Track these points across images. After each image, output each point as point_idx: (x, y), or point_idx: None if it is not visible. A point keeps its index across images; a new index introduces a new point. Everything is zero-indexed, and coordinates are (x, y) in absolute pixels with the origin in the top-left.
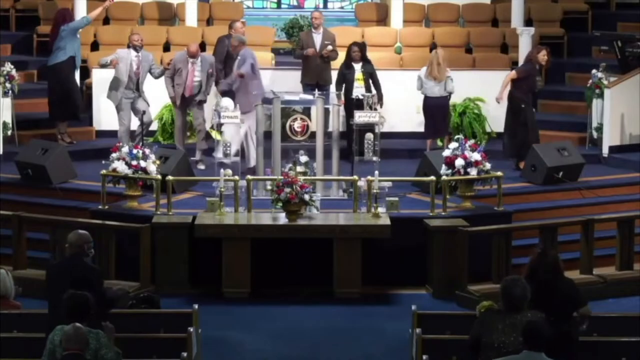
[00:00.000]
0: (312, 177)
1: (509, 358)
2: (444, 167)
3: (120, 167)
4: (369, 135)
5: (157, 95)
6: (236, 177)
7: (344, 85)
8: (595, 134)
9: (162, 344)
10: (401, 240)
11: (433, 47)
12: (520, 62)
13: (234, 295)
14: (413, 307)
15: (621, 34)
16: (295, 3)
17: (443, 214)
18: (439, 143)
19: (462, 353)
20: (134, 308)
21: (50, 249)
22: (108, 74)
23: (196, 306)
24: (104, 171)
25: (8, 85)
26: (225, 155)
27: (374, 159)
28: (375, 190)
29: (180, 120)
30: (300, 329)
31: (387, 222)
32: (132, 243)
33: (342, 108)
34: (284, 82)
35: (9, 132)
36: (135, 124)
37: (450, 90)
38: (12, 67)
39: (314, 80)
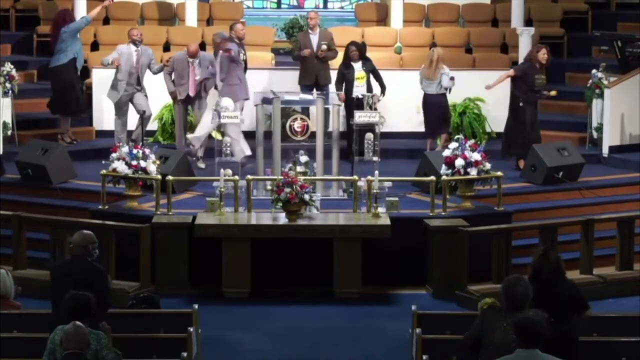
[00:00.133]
0: (312, 177)
1: (503, 359)
2: (444, 167)
3: (120, 167)
4: (369, 135)
5: (157, 95)
6: (236, 177)
7: (343, 85)
8: (595, 134)
9: (162, 344)
10: (401, 240)
11: (432, 47)
12: (520, 62)
13: (234, 295)
14: (413, 307)
15: (621, 34)
16: (295, 3)
17: (443, 214)
18: (438, 142)
19: (462, 353)
20: (134, 308)
21: (50, 249)
22: (108, 74)
23: (196, 306)
24: (104, 171)
25: (8, 85)
26: (225, 155)
27: (374, 159)
28: (375, 190)
29: (180, 119)
30: (300, 329)
31: (387, 222)
32: (132, 243)
33: (342, 108)
34: (284, 82)
35: (9, 132)
36: (133, 123)
37: (445, 86)
38: (12, 67)
39: (312, 81)
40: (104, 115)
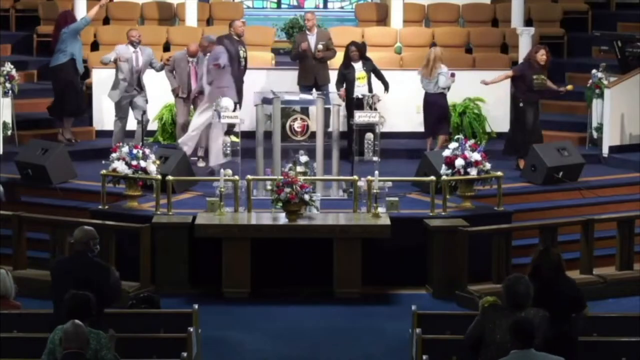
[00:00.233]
0: (312, 177)
1: None
2: (444, 167)
3: (120, 167)
4: (369, 135)
5: (157, 95)
6: (236, 177)
7: (344, 85)
8: (595, 134)
9: (162, 344)
10: (401, 240)
11: (432, 46)
12: (520, 62)
13: (234, 295)
14: (413, 307)
15: (621, 34)
16: (295, 3)
17: (443, 214)
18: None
19: (461, 353)
20: (134, 308)
21: (50, 249)
22: (108, 74)
23: (196, 306)
24: (104, 171)
25: (8, 85)
26: (225, 155)
27: (374, 159)
28: (375, 190)
29: (182, 117)
30: (300, 329)
31: (387, 222)
32: (132, 243)
33: (342, 108)
34: (284, 82)
35: (9, 132)
36: (132, 124)
37: (442, 86)
38: (12, 67)
39: (311, 82)
40: (104, 115)
